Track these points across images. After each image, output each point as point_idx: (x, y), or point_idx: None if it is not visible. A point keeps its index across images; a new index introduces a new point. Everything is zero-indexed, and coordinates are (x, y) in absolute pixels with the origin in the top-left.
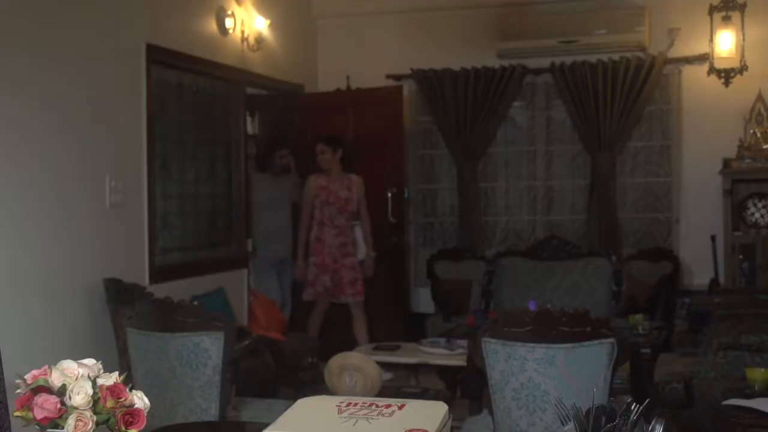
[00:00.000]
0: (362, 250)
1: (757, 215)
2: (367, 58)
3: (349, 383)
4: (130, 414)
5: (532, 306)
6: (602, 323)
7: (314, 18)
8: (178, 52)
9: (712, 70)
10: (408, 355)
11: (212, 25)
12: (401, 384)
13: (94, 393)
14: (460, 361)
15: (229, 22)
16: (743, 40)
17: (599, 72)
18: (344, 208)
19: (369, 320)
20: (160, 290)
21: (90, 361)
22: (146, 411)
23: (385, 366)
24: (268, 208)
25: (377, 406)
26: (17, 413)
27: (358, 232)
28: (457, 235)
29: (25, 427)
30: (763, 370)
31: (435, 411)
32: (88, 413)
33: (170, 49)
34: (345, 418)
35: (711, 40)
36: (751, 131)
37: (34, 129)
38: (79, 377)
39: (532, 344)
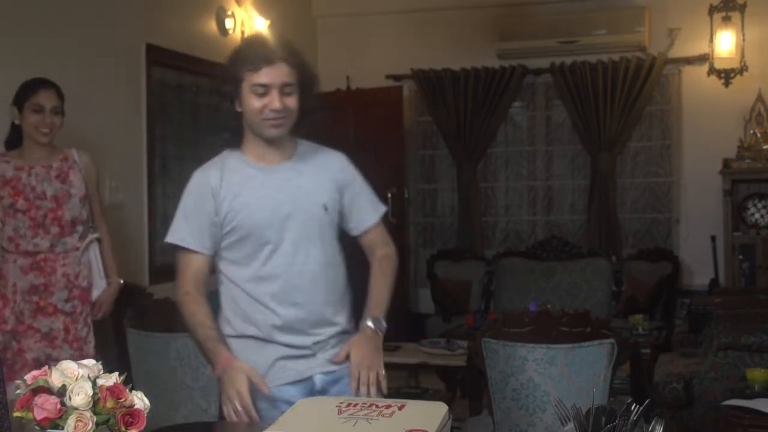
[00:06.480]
0: (100, 285)
1: (757, 215)
2: (367, 58)
3: None
4: (130, 414)
5: (532, 306)
6: (602, 323)
7: (314, 18)
8: (178, 52)
9: (712, 70)
10: (408, 355)
11: (212, 26)
12: (401, 384)
13: (94, 393)
14: (460, 361)
15: (229, 23)
16: (743, 40)
17: (599, 72)
18: (51, 215)
19: None
20: (160, 290)
21: (90, 362)
22: (146, 411)
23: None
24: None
25: (377, 406)
26: (17, 413)
27: (93, 256)
28: (457, 236)
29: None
30: (763, 370)
31: (435, 411)
32: (88, 414)
33: (170, 49)
34: (345, 418)
35: (711, 40)
36: (751, 131)
37: None
38: (79, 377)
39: (532, 344)
